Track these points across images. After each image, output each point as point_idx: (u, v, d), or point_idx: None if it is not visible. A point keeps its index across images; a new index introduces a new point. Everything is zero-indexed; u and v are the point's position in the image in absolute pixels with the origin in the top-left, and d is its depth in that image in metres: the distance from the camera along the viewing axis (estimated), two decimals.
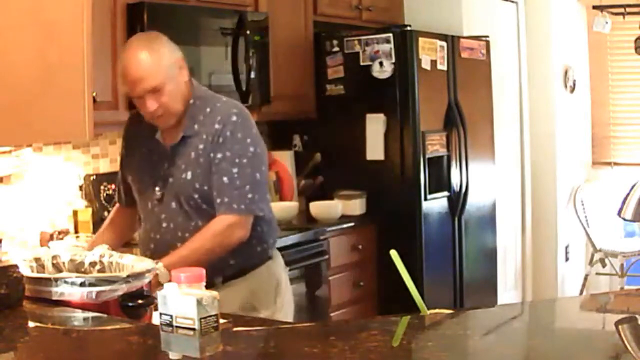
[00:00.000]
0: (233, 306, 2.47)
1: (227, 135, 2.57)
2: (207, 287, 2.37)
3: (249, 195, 2.57)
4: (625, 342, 1.76)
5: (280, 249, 2.86)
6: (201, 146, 2.60)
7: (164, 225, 2.64)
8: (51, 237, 3.28)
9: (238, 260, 2.63)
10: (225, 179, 2.57)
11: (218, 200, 2.57)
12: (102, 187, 3.59)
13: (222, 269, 2.59)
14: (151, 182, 2.67)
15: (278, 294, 2.71)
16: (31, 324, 2.04)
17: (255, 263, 2.69)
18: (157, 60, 2.53)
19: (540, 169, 5.90)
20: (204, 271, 1.89)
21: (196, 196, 2.60)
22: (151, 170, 2.68)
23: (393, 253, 2.01)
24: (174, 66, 2.57)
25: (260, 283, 2.68)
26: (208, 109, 2.63)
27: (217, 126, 2.58)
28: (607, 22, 6.06)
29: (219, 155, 2.57)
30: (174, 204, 2.63)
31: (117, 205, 2.92)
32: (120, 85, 2.65)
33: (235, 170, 2.56)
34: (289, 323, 2.15)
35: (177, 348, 1.75)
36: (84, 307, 2.04)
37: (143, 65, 2.51)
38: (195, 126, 2.62)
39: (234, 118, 2.60)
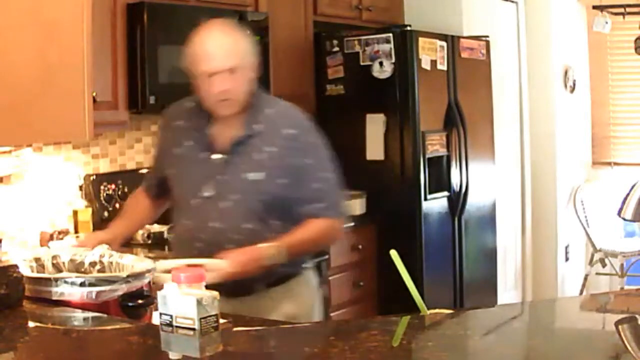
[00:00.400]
0: (275, 313, 2.47)
1: (308, 141, 2.57)
2: (249, 293, 2.48)
3: (339, 200, 2.64)
4: (625, 342, 1.76)
5: None
6: (270, 149, 2.53)
7: (213, 225, 2.53)
8: (51, 237, 3.28)
9: (284, 267, 2.55)
10: (316, 185, 2.57)
11: (314, 205, 2.56)
12: (102, 187, 3.59)
13: (269, 275, 2.51)
14: (199, 178, 2.57)
15: (315, 300, 2.70)
16: (31, 324, 2.04)
17: (298, 270, 2.65)
18: (238, 42, 2.53)
19: (540, 169, 5.90)
20: (204, 271, 1.89)
21: (262, 198, 2.52)
22: (200, 167, 2.58)
23: (393, 253, 2.01)
24: (251, 55, 2.56)
25: (301, 290, 2.65)
26: (267, 110, 2.59)
27: (290, 131, 2.55)
28: (607, 22, 6.06)
29: (307, 161, 2.55)
30: (226, 204, 2.53)
31: (143, 194, 2.82)
32: (191, 63, 2.52)
33: (323, 176, 2.58)
34: (289, 323, 2.15)
35: (177, 348, 1.75)
36: (84, 307, 2.04)
37: (225, 43, 2.50)
38: (255, 126, 2.56)
39: (307, 123, 2.60)
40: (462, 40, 4.82)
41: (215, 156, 2.56)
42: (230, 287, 2.35)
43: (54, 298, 2.07)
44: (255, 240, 2.48)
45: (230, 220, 2.52)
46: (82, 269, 2.29)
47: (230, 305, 2.30)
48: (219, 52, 2.48)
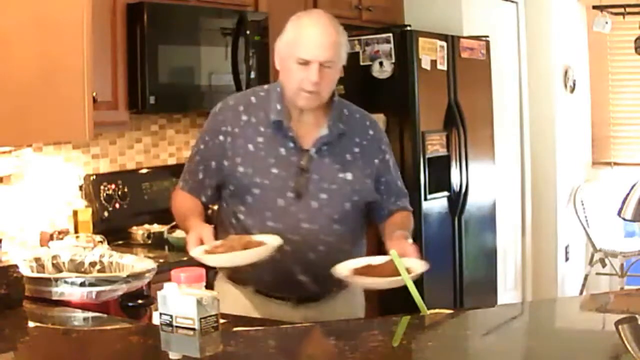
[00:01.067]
0: (337, 315, 2.42)
1: (384, 141, 2.60)
2: (320, 297, 2.44)
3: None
4: (625, 342, 1.76)
5: None
6: (356, 150, 2.51)
7: (305, 226, 2.41)
8: (51, 237, 3.28)
9: None
10: (399, 182, 2.63)
11: (402, 200, 2.62)
12: (102, 187, 3.59)
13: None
14: (286, 177, 2.44)
15: (363, 300, 2.68)
16: (31, 324, 2.04)
17: None
18: (342, 38, 2.48)
19: (540, 169, 5.90)
20: (204, 271, 1.89)
21: (355, 199, 2.48)
22: (285, 165, 2.44)
23: (393, 253, 2.01)
24: (344, 57, 2.50)
25: (356, 291, 2.59)
26: (346, 111, 2.57)
27: (370, 132, 2.56)
28: (607, 22, 6.06)
29: (387, 159, 2.58)
30: (317, 203, 2.44)
31: (193, 198, 2.55)
32: (287, 45, 2.44)
33: (399, 173, 2.65)
34: (290, 323, 2.15)
35: (177, 348, 1.75)
36: (84, 307, 2.04)
37: (331, 34, 2.44)
38: (341, 125, 2.51)
39: (380, 124, 2.66)
40: (462, 40, 4.82)
41: (297, 155, 2.45)
42: (306, 293, 2.43)
43: (54, 298, 2.07)
44: (343, 242, 2.46)
45: (322, 221, 2.43)
46: (82, 269, 2.29)
47: (299, 313, 2.41)
48: (325, 42, 2.41)
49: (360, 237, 2.59)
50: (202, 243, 2.26)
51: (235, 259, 2.22)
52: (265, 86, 2.60)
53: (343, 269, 2.26)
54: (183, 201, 2.57)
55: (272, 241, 2.29)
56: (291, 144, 2.45)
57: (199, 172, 2.54)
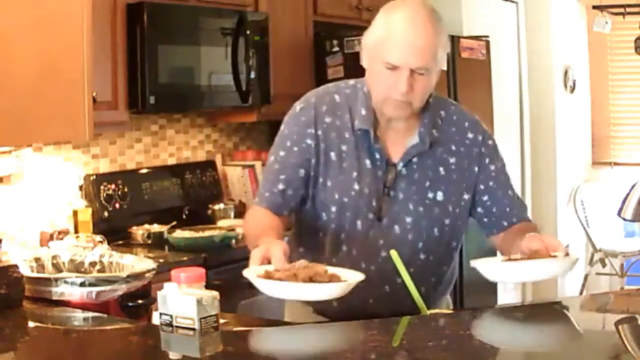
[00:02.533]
0: None
1: (489, 144, 2.22)
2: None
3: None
4: (625, 342, 1.76)
5: None
6: (452, 160, 2.16)
7: (384, 254, 2.07)
8: (51, 237, 3.28)
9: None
10: (510, 192, 2.25)
11: (509, 210, 2.24)
12: (102, 187, 3.59)
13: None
14: (368, 195, 2.12)
15: None
16: (31, 324, 2.04)
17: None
18: (438, 41, 2.07)
19: (540, 169, 5.90)
20: (204, 271, 1.88)
21: (447, 222, 2.17)
22: (367, 180, 2.12)
23: (393, 253, 1.99)
24: (443, 59, 2.12)
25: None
26: (443, 112, 2.21)
27: (469, 134, 2.19)
28: (607, 22, 6.06)
29: (492, 167, 2.20)
30: (398, 229, 2.13)
31: (270, 215, 2.15)
32: (374, 44, 2.06)
33: (510, 181, 2.27)
34: (290, 323, 2.14)
35: (177, 348, 1.75)
36: (84, 307, 2.04)
37: (430, 36, 2.04)
38: (435, 132, 2.16)
39: (484, 125, 2.26)
40: (462, 40, 4.82)
41: (388, 168, 2.13)
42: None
43: (54, 298, 2.07)
44: (427, 273, 2.14)
45: (404, 250, 2.07)
46: (82, 269, 2.29)
47: None
48: (418, 45, 2.02)
49: (448, 264, 2.27)
50: (268, 263, 1.88)
51: (291, 291, 1.83)
52: (351, 81, 2.25)
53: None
54: (259, 219, 2.16)
55: (349, 277, 1.87)
56: (377, 156, 2.12)
57: (278, 182, 2.15)
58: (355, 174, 2.12)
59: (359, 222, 2.12)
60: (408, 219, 2.13)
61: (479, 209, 2.24)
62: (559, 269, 1.92)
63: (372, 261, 2.11)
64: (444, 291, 2.27)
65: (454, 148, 2.17)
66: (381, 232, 2.12)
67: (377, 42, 2.06)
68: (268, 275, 1.82)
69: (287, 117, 2.22)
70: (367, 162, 2.13)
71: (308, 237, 2.20)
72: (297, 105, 2.22)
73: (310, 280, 1.79)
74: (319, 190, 2.15)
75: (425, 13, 2.07)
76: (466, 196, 2.19)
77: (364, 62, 2.14)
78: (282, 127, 2.22)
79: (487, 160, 2.20)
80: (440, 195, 2.15)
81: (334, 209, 2.13)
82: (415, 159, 2.14)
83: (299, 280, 1.79)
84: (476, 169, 2.19)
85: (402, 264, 1.97)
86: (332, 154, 2.14)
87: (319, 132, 2.15)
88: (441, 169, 2.15)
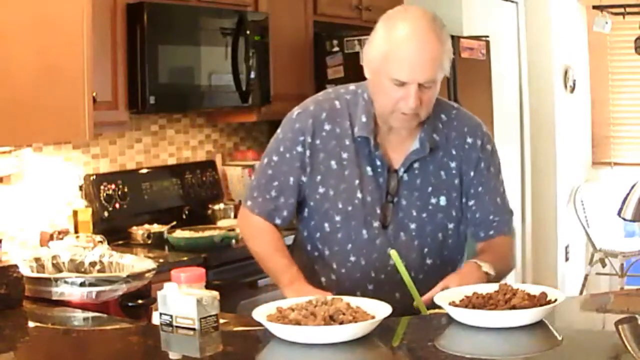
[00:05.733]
0: None
1: (487, 149, 2.20)
2: None
3: (511, 217, 2.24)
4: (625, 342, 1.76)
5: None
6: (453, 164, 2.15)
7: (393, 262, 2.02)
8: (51, 237, 3.28)
9: None
10: (498, 199, 2.20)
11: (493, 219, 2.18)
12: (102, 187, 3.59)
13: None
14: (372, 203, 2.11)
15: None
16: (31, 324, 2.04)
17: None
18: (442, 52, 2.02)
19: (540, 169, 5.90)
20: (204, 271, 1.89)
21: (451, 226, 2.15)
22: (370, 188, 2.11)
23: (393, 253, 1.99)
24: (449, 62, 2.06)
25: None
26: (444, 116, 2.17)
27: (469, 139, 2.17)
28: (607, 22, 6.06)
29: (486, 173, 2.18)
30: (404, 235, 2.12)
31: (271, 228, 2.18)
32: (379, 58, 2.02)
33: (502, 189, 2.23)
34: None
35: (177, 348, 1.75)
36: (84, 307, 2.04)
37: (435, 48, 2.00)
38: (436, 136, 2.14)
39: (484, 129, 2.22)
40: (462, 40, 4.82)
41: (389, 175, 2.12)
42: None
43: (54, 298, 2.07)
44: (437, 277, 2.05)
45: (412, 256, 2.11)
46: (82, 269, 2.29)
47: None
48: (425, 59, 1.99)
49: (455, 267, 2.23)
50: None
51: (310, 335, 1.65)
52: (351, 86, 2.21)
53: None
54: (258, 236, 2.19)
55: (375, 309, 1.74)
56: (378, 163, 2.11)
57: (271, 189, 2.17)
58: (357, 181, 2.10)
59: (364, 231, 2.11)
60: (412, 225, 2.12)
61: (466, 214, 2.21)
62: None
63: (382, 270, 2.11)
64: None
65: (454, 152, 2.16)
66: (388, 239, 2.11)
67: (382, 57, 2.03)
68: (282, 315, 1.70)
69: (284, 120, 2.21)
70: (368, 169, 2.11)
71: (312, 246, 2.18)
72: (295, 111, 2.20)
73: (331, 318, 1.66)
74: (320, 200, 2.13)
75: (426, 24, 2.04)
76: (465, 201, 2.19)
77: (367, 74, 2.11)
78: (278, 130, 2.21)
79: (482, 165, 2.19)
80: (443, 200, 2.14)
81: (338, 218, 2.12)
82: (416, 165, 2.12)
83: (318, 319, 1.65)
84: (472, 173, 2.18)
85: (401, 263, 1.97)
86: (333, 162, 2.12)
87: (317, 142, 2.13)
88: (442, 173, 2.14)
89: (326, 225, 2.14)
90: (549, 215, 5.94)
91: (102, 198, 3.58)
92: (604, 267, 6.07)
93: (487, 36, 5.06)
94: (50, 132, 2.93)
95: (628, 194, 2.14)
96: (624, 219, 2.15)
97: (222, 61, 3.75)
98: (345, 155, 2.12)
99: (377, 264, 2.11)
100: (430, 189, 2.13)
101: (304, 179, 2.14)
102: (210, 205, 4.00)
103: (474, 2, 5.22)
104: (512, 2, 5.73)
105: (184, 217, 3.83)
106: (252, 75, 3.85)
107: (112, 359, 1.74)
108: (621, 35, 6.24)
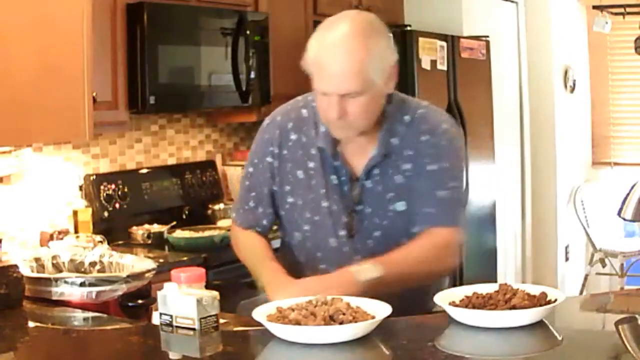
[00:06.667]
0: None
1: (442, 145, 2.10)
2: None
3: (460, 213, 2.14)
4: (625, 342, 1.76)
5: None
6: (407, 166, 2.09)
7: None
8: (51, 237, 3.28)
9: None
10: (441, 193, 2.08)
11: (427, 211, 2.07)
12: (102, 187, 3.59)
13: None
14: (336, 212, 2.10)
15: None
16: (31, 324, 2.04)
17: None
18: (368, 62, 1.97)
19: (540, 169, 5.90)
20: (204, 271, 1.88)
21: (415, 230, 2.09)
22: (334, 197, 2.10)
23: None
24: (383, 75, 2.02)
25: None
26: (407, 118, 2.12)
27: (422, 138, 2.10)
28: (607, 22, 6.06)
29: (434, 167, 2.08)
30: (370, 242, 2.11)
31: (257, 236, 2.22)
32: (307, 64, 2.04)
33: (452, 184, 2.10)
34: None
35: (177, 348, 1.75)
36: (84, 307, 2.04)
37: (350, 62, 1.96)
38: (394, 140, 2.10)
39: (446, 126, 2.14)
40: (462, 40, 4.82)
41: (347, 182, 2.10)
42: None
43: (54, 298, 2.07)
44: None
45: None
46: (82, 269, 2.29)
47: None
48: (345, 71, 1.96)
49: None
50: None
51: (311, 335, 1.65)
52: None
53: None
54: (243, 248, 2.23)
55: (375, 308, 1.75)
56: (342, 170, 2.10)
57: (249, 199, 2.22)
58: (323, 190, 2.11)
59: (332, 240, 2.12)
60: (376, 233, 2.11)
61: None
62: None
63: None
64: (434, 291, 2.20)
65: (410, 153, 2.10)
66: (355, 247, 2.11)
67: (310, 66, 2.04)
68: (282, 315, 1.70)
69: (258, 131, 2.25)
70: (334, 177, 2.11)
71: (289, 256, 2.21)
72: (266, 121, 2.23)
73: (331, 318, 1.67)
74: (289, 209, 2.16)
75: (352, 32, 1.99)
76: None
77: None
78: (253, 141, 2.25)
79: (427, 159, 2.09)
80: (402, 206, 2.10)
81: (307, 227, 2.15)
82: (376, 171, 2.10)
83: (318, 319, 1.66)
84: (422, 168, 2.10)
85: None
86: (300, 172, 2.14)
87: (284, 152, 2.16)
88: (400, 177, 2.10)
89: (297, 234, 2.18)
90: (549, 215, 5.95)
91: (102, 198, 3.58)
92: (604, 267, 6.07)
93: (487, 36, 5.06)
94: (50, 132, 2.93)
95: (628, 194, 2.14)
96: (624, 219, 2.15)
97: (222, 61, 3.75)
98: (311, 165, 2.13)
99: None
100: (391, 195, 2.10)
101: (275, 188, 2.18)
102: (210, 205, 4.00)
103: (474, 2, 5.22)
104: (512, 2, 5.73)
105: (184, 217, 3.83)
106: (252, 75, 3.85)
107: (112, 359, 1.74)
108: (621, 35, 6.24)
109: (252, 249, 2.21)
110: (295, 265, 2.18)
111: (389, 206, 2.10)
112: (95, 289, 2.05)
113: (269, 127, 2.21)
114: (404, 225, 2.10)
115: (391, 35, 2.09)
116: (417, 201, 2.09)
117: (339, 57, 1.97)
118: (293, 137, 2.16)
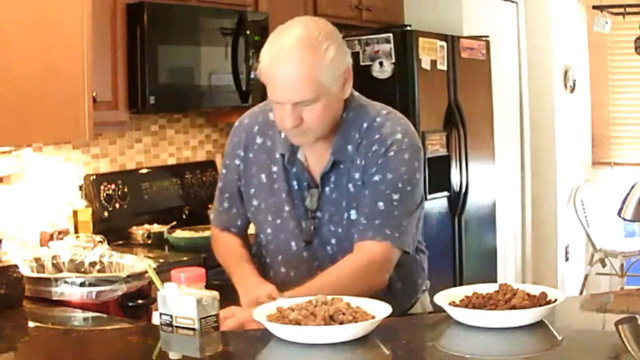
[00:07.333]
0: None
1: (389, 156, 2.05)
2: None
3: (402, 229, 2.06)
4: (625, 342, 1.76)
5: None
6: (357, 175, 2.08)
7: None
8: (51, 237, 3.28)
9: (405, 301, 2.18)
10: (381, 204, 2.04)
11: (364, 222, 2.04)
12: (102, 187, 3.59)
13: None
14: (293, 216, 2.11)
15: None
16: (31, 324, 2.04)
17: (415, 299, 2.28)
18: (318, 70, 1.95)
19: (540, 169, 5.90)
20: (204, 271, 1.88)
21: (354, 241, 2.07)
22: (294, 203, 2.11)
23: (149, 267, 1.91)
24: (337, 80, 2.00)
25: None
26: (365, 125, 2.09)
27: (374, 147, 2.06)
28: (607, 22, 6.06)
29: (377, 178, 2.05)
30: (329, 249, 2.10)
31: (236, 239, 2.26)
32: (260, 75, 2.00)
33: (396, 197, 2.04)
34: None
35: (177, 348, 1.75)
36: (84, 307, 2.04)
37: (300, 71, 1.94)
38: (349, 147, 2.08)
39: (399, 136, 2.08)
40: (462, 40, 4.82)
41: (307, 189, 2.11)
42: None
43: (54, 298, 2.07)
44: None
45: None
46: (82, 269, 2.29)
47: None
48: (295, 80, 1.94)
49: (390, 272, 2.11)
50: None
51: (311, 335, 1.66)
52: None
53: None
54: (218, 251, 2.26)
55: (375, 309, 1.75)
56: (301, 176, 2.11)
57: (223, 200, 2.26)
58: (284, 195, 2.12)
59: (293, 244, 2.13)
60: (333, 240, 2.11)
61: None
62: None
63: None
64: (405, 296, 2.23)
65: (359, 162, 2.08)
66: (314, 253, 2.12)
67: (262, 76, 2.01)
68: (282, 315, 1.71)
69: (230, 133, 2.28)
70: (295, 183, 2.13)
71: (259, 257, 2.24)
72: (235, 123, 2.26)
73: (331, 318, 1.67)
74: (254, 212, 2.19)
75: (302, 41, 1.96)
76: None
77: None
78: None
79: (374, 169, 2.06)
80: (353, 214, 2.08)
81: (269, 230, 2.16)
82: (332, 178, 2.10)
83: (318, 319, 1.66)
84: (367, 177, 2.07)
85: (156, 276, 1.89)
86: (263, 176, 2.16)
87: (250, 155, 2.18)
88: (350, 186, 2.09)
89: (261, 236, 2.20)
90: (549, 215, 5.95)
91: (102, 198, 3.58)
92: (604, 267, 6.07)
93: (487, 36, 5.06)
94: (50, 132, 2.93)
95: (628, 194, 2.14)
96: (624, 219, 2.15)
97: (222, 61, 3.75)
98: (275, 169, 2.14)
99: (305, 277, 2.04)
100: (344, 203, 2.09)
101: (242, 189, 2.21)
102: (210, 205, 3.98)
103: (474, 2, 5.22)
104: (512, 2, 5.73)
105: (184, 217, 3.83)
106: (252, 75, 3.85)
107: (112, 359, 1.74)
108: (621, 35, 6.24)
109: (225, 250, 2.25)
110: (263, 265, 2.22)
111: (344, 214, 2.09)
112: (95, 289, 2.05)
113: (237, 129, 2.24)
114: (355, 234, 2.08)
115: (343, 39, 2.05)
116: (358, 211, 2.08)
117: (288, 66, 1.95)
118: (259, 140, 2.18)
